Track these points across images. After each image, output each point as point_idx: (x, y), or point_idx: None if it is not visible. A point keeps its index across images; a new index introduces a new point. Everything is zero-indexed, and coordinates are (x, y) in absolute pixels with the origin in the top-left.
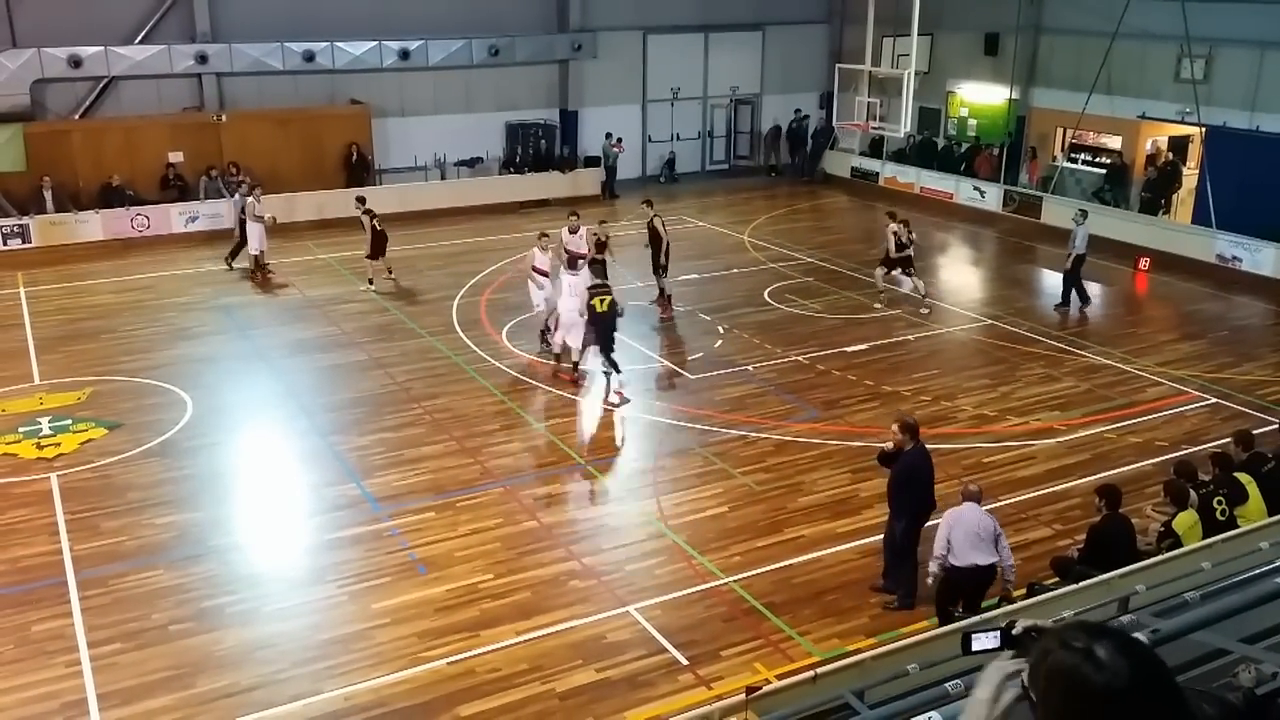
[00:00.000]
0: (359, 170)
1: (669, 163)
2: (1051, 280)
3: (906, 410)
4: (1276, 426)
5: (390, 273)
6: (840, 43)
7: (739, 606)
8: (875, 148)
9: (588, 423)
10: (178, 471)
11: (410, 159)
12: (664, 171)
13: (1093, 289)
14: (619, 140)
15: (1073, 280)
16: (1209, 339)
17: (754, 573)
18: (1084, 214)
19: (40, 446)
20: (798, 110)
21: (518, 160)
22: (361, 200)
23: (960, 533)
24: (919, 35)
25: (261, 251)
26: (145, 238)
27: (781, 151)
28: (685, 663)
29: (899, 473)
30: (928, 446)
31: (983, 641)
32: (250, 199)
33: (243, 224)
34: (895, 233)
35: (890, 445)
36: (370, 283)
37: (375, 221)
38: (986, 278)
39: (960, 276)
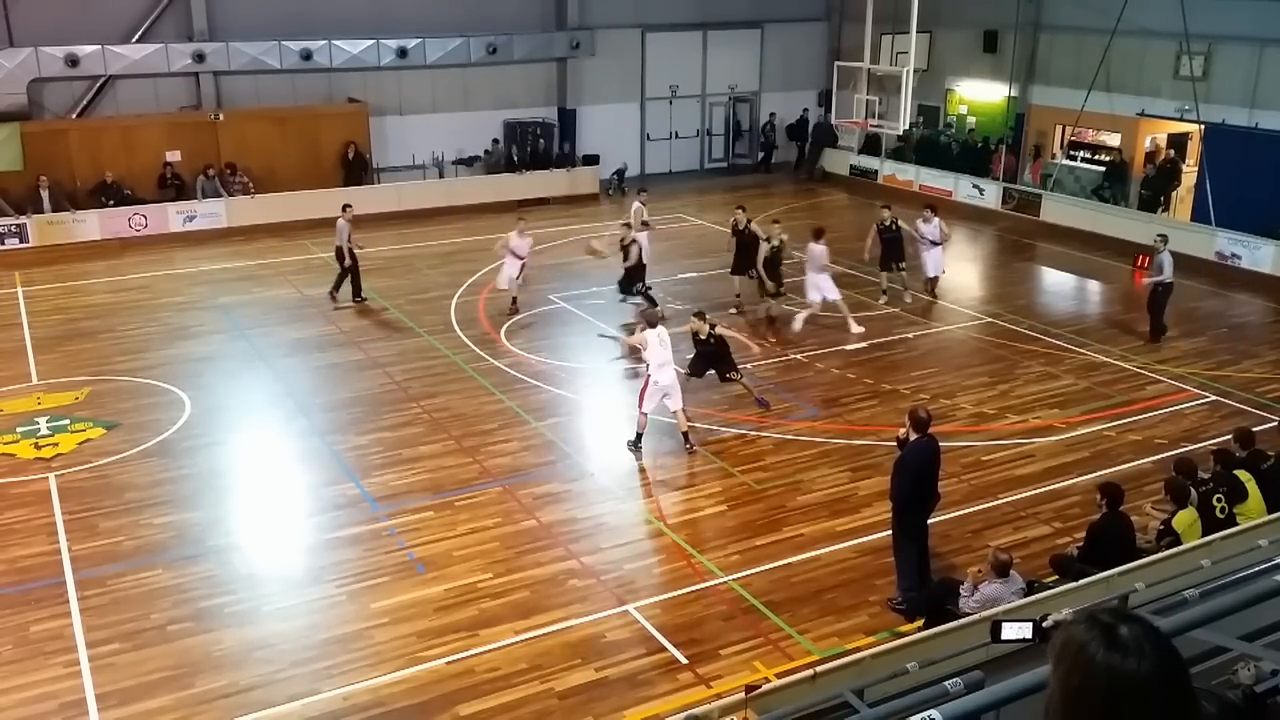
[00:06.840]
0: (356, 169)
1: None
2: (1053, 278)
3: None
4: (1276, 424)
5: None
6: (839, 40)
7: (738, 605)
8: (873, 145)
9: (586, 421)
10: (176, 471)
11: (408, 158)
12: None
13: (1092, 286)
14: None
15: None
16: (1208, 336)
17: (753, 571)
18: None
19: (38, 446)
20: (772, 114)
21: (515, 158)
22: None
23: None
24: (918, 33)
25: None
26: (142, 237)
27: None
28: (684, 661)
29: (896, 461)
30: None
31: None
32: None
33: (342, 252)
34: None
35: (901, 433)
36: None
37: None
38: (985, 275)
39: (960, 274)
